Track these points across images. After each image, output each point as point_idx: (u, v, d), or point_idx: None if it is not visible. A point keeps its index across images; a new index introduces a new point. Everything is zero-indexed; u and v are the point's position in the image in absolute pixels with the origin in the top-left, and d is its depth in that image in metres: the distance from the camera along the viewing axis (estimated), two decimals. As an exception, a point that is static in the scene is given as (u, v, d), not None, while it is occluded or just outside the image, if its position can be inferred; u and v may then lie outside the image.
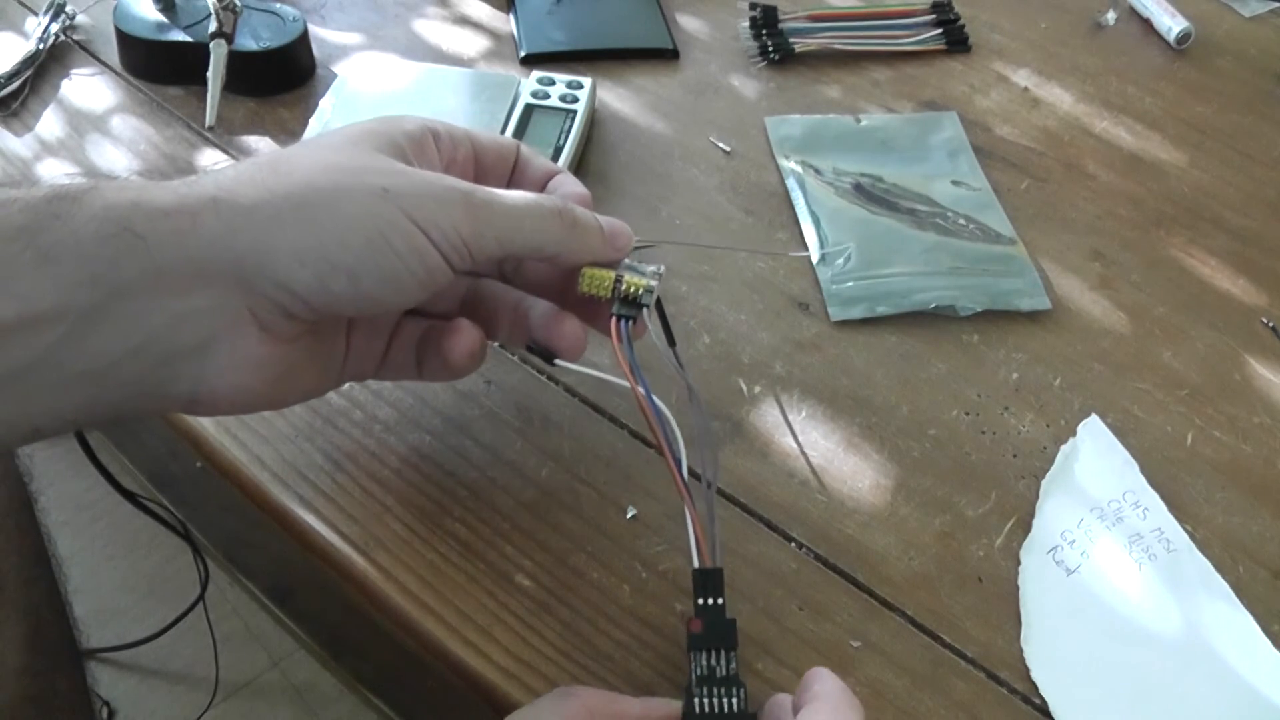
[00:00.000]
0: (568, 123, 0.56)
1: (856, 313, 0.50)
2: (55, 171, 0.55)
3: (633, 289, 0.37)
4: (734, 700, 0.33)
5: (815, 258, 0.53)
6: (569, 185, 0.40)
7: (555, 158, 0.54)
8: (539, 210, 0.36)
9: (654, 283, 0.38)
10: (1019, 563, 0.41)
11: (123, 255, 0.31)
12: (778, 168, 0.58)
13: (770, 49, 0.65)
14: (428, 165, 0.37)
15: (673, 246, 0.53)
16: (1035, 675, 0.38)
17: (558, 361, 0.38)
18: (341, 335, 0.38)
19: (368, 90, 0.58)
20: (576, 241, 0.37)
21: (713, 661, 0.34)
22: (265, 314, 0.33)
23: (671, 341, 0.44)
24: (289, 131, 0.58)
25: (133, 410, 0.34)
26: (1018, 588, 0.41)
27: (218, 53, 0.57)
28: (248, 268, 0.32)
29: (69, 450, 0.89)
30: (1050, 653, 0.39)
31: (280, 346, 0.34)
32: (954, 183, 0.57)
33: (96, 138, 0.57)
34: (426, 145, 0.37)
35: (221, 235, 0.32)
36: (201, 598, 1.03)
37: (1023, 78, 0.67)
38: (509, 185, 0.41)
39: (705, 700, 0.33)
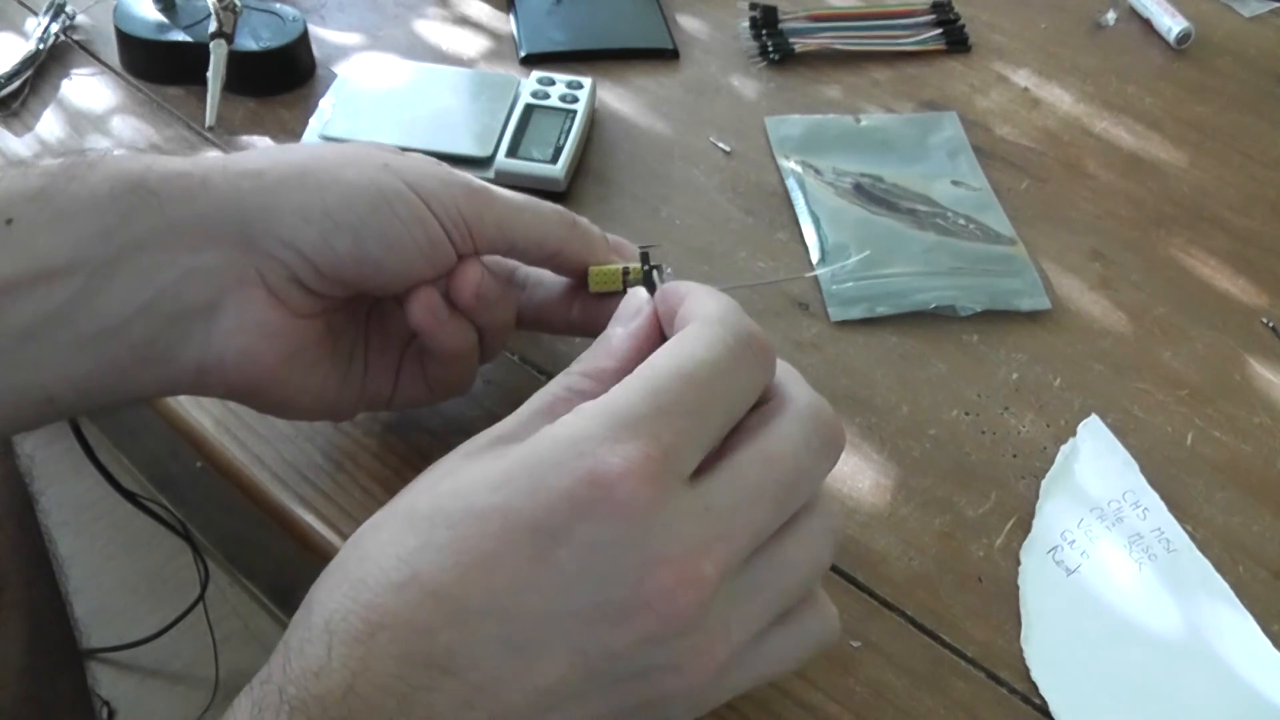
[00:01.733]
0: (568, 123, 0.56)
1: (856, 313, 0.50)
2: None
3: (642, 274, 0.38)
4: None
5: (815, 257, 0.53)
6: None
7: (555, 158, 0.54)
8: (540, 207, 0.38)
9: (668, 270, 0.39)
10: (1019, 563, 0.41)
11: (135, 210, 0.32)
12: (778, 168, 0.58)
13: (770, 49, 0.65)
14: None
15: (672, 246, 0.53)
16: (1035, 675, 0.38)
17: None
18: (359, 335, 0.39)
19: (368, 90, 0.58)
20: (578, 239, 0.39)
21: None
22: (273, 277, 0.34)
23: None
24: (289, 131, 0.58)
25: (143, 380, 0.34)
26: (1018, 588, 0.41)
27: (218, 53, 0.57)
28: (254, 227, 0.33)
29: (69, 450, 0.89)
30: (1050, 653, 0.39)
31: (290, 319, 0.35)
32: (954, 183, 0.57)
33: (96, 138, 0.57)
34: None
35: (229, 195, 0.33)
36: (201, 598, 1.03)
37: (1023, 78, 0.67)
38: None
39: None
